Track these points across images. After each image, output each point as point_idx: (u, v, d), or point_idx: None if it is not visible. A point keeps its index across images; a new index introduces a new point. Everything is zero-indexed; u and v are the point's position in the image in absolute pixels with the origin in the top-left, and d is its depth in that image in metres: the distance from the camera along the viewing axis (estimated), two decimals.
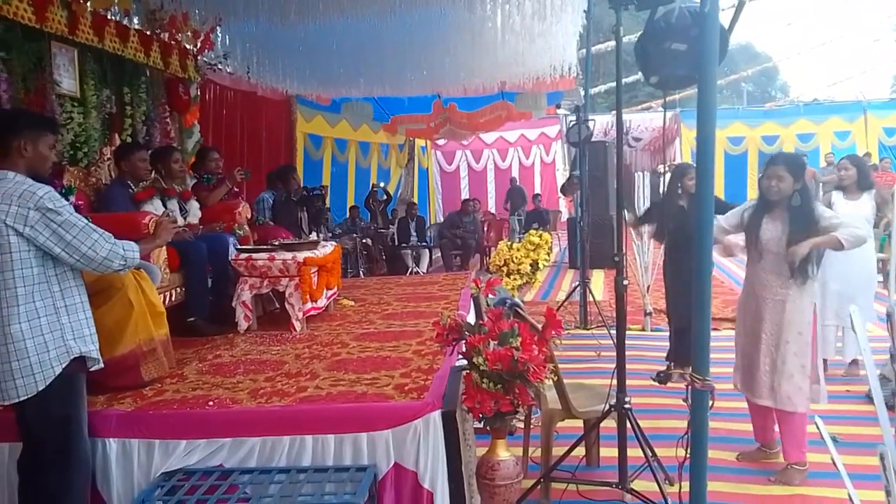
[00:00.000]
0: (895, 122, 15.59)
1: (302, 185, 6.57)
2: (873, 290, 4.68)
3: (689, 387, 2.26)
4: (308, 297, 4.19)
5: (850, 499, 1.94)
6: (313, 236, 5.17)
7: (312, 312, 4.31)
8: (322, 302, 4.46)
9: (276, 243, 4.49)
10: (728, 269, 9.13)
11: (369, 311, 4.73)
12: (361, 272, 8.97)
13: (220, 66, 6.96)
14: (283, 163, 8.23)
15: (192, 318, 4.12)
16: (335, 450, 2.59)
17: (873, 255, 4.64)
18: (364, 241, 9.68)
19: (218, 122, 7.25)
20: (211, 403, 2.79)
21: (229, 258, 4.31)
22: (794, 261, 3.18)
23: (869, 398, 4.27)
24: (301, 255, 4.20)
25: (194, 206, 4.78)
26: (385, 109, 11.10)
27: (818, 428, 2.03)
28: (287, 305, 4.19)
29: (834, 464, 2.01)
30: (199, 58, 6.10)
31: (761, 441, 3.61)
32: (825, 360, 4.77)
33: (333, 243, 5.06)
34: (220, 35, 6.20)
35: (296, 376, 3.14)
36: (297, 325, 4.14)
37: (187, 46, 5.88)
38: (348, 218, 10.14)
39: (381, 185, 11.31)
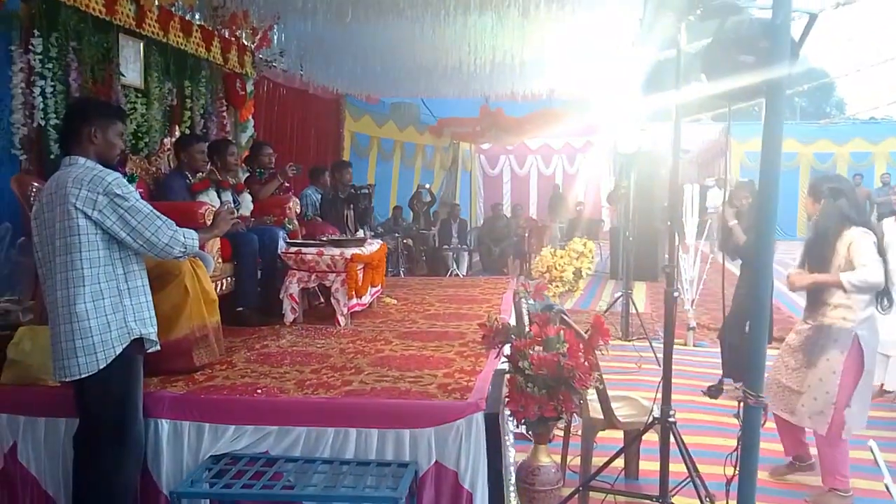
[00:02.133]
0: None
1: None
2: None
3: (742, 403, 2.23)
4: (353, 293, 4.24)
5: None
6: (360, 234, 5.23)
7: (357, 308, 4.37)
8: (366, 299, 4.51)
9: (325, 239, 4.56)
10: (781, 291, 8.89)
11: (411, 310, 4.77)
12: (402, 272, 9.03)
13: (275, 64, 7.10)
14: (331, 160, 8.36)
15: (240, 308, 4.21)
16: (378, 444, 2.62)
17: None
18: (405, 241, 9.74)
19: (270, 117, 7.40)
20: (259, 391, 2.85)
21: (279, 251, 4.40)
22: (793, 289, 3.15)
23: None
24: (348, 252, 4.26)
25: (247, 199, 4.89)
26: (432, 111, 11.18)
27: (873, 453, 1.98)
28: (333, 300, 4.26)
29: (888, 490, 1.96)
30: (256, 54, 6.24)
31: (792, 454, 3.55)
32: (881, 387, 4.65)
33: (380, 241, 5.11)
34: (276, 33, 6.34)
35: (341, 370, 3.19)
36: (342, 320, 4.19)
37: (246, 43, 6.02)
38: (391, 217, 10.23)
39: (427, 186, 11.36)
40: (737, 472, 2.26)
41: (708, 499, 2.96)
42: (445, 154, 13.44)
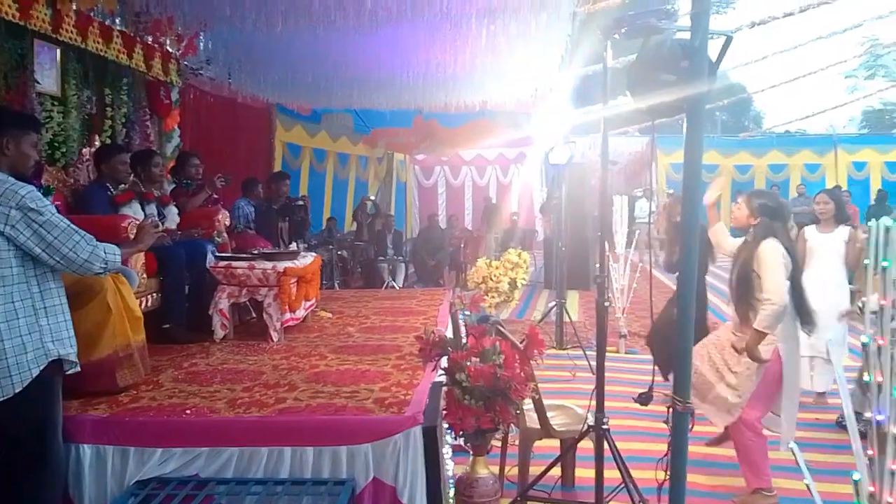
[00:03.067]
0: (864, 157, 16.05)
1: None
2: (845, 323, 4.76)
3: (671, 409, 2.29)
4: (286, 307, 4.16)
5: None
6: (293, 246, 5.14)
7: (290, 323, 4.28)
8: (300, 313, 4.43)
9: (256, 252, 4.46)
10: (712, 303, 9.21)
11: (347, 323, 4.71)
12: (337, 284, 8.92)
13: (202, 72, 6.92)
14: (262, 170, 8.19)
15: (167, 325, 4.06)
16: (314, 462, 2.57)
17: (846, 288, 4.73)
18: (340, 252, 9.63)
19: (198, 127, 7.19)
20: (188, 412, 2.75)
21: (208, 265, 4.27)
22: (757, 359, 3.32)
23: (838, 425, 4.37)
24: (281, 265, 4.18)
25: (172, 212, 4.73)
26: (365, 122, 11.11)
27: (794, 454, 2.07)
28: (265, 315, 4.15)
29: (809, 490, 2.05)
30: (181, 62, 6.07)
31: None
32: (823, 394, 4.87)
33: (313, 254, 5.03)
34: (203, 40, 6.17)
35: (274, 387, 3.11)
36: (275, 336, 4.10)
37: (170, 50, 5.85)
38: (325, 229, 10.09)
39: (372, 198, 11.31)
40: (667, 475, 2.32)
41: (641, 503, 3.04)
42: (380, 165, 13.40)
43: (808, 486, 2.05)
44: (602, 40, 3.09)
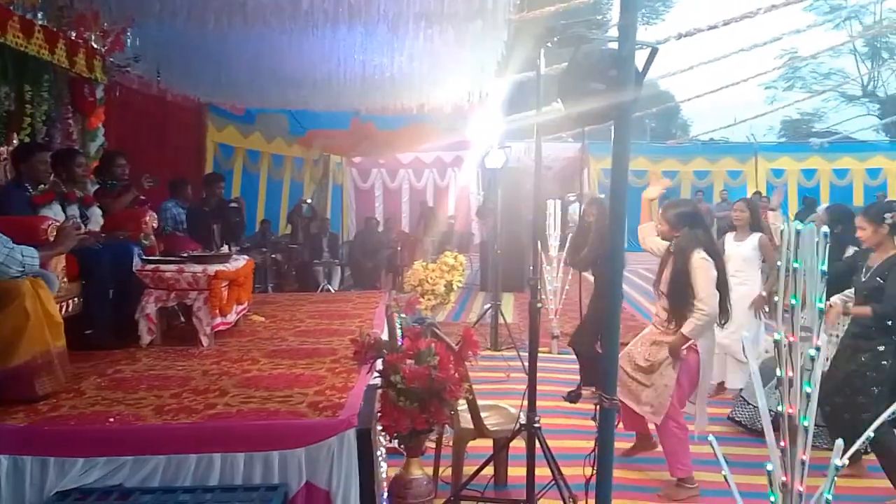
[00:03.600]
0: (783, 165, 16.90)
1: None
2: (759, 323, 5.01)
3: (598, 406, 2.37)
4: (217, 311, 4.06)
5: None
6: (224, 249, 5.02)
7: (221, 328, 4.18)
8: (232, 317, 4.34)
9: (186, 255, 4.34)
10: (635, 300, 9.55)
11: (281, 327, 4.64)
12: (270, 288, 8.76)
13: (128, 69, 6.68)
14: (192, 171, 7.98)
15: (90, 331, 3.90)
16: (245, 469, 2.52)
17: (758, 290, 4.98)
18: (274, 255, 9.47)
19: (124, 126, 6.93)
20: (111, 420, 2.66)
21: (134, 269, 4.12)
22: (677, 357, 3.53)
23: (730, 419, 4.60)
24: (212, 268, 4.08)
25: (96, 213, 4.56)
26: (301, 123, 10.95)
27: (713, 447, 2.18)
28: (195, 320, 4.05)
29: (727, 481, 2.16)
30: (107, 59, 5.85)
31: (630, 430, 3.91)
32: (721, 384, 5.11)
33: (246, 257, 4.94)
34: (130, 36, 5.97)
35: (204, 393, 3.04)
36: (205, 341, 4.00)
37: (95, 46, 5.63)
38: (258, 231, 9.90)
39: (308, 201, 11.15)
40: (595, 471, 2.40)
41: (571, 499, 3.12)
42: (315, 167, 13.23)
43: (725, 477, 2.15)
44: (535, 48, 3.17)
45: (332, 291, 9.17)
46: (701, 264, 3.49)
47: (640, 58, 2.45)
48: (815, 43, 27.45)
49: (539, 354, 3.29)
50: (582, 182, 16.87)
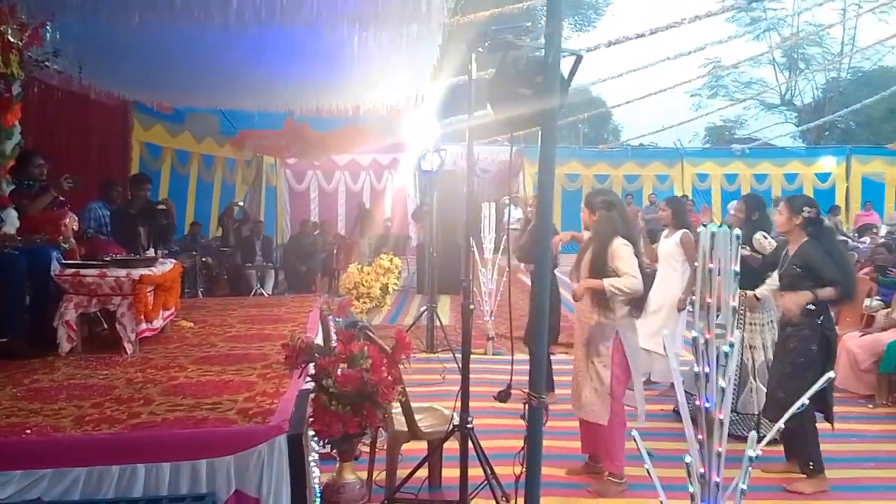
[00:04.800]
0: (707, 170, 17.60)
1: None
2: (682, 319, 5.22)
3: (527, 405, 2.42)
4: (143, 317, 3.93)
5: None
6: (151, 252, 4.87)
7: (147, 334, 4.05)
8: (158, 323, 4.21)
9: (109, 259, 4.19)
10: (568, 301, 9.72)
11: (210, 333, 4.53)
12: (200, 292, 8.53)
13: (48, 64, 6.38)
14: (117, 171, 7.69)
15: (5, 339, 3.72)
16: (171, 478, 2.46)
17: (678, 284, 5.18)
18: (205, 259, 9.22)
19: (43, 124, 6.63)
20: (28, 431, 2.54)
21: (52, 273, 3.95)
22: (577, 300, 3.68)
23: (675, 413, 4.77)
24: (137, 273, 3.95)
25: (12, 215, 4.33)
26: (233, 123, 10.70)
27: (636, 442, 2.26)
28: (118, 326, 3.91)
29: (649, 474, 2.24)
30: (24, 53, 5.56)
31: (586, 452, 3.92)
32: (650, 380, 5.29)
33: (173, 261, 4.79)
34: (50, 30, 5.70)
35: (127, 402, 2.94)
36: (129, 348, 3.87)
37: (12, 40, 5.34)
38: (188, 234, 9.62)
39: (240, 203, 10.89)
40: (524, 469, 2.44)
41: (504, 498, 3.17)
42: (248, 168, 12.95)
43: (648, 470, 2.24)
44: (468, 53, 3.21)
45: (266, 296, 9.00)
46: (622, 248, 3.62)
47: (567, 65, 2.52)
48: (736, 53, 28.74)
49: (474, 356, 3.33)
50: (517, 185, 17.17)
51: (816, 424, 3.88)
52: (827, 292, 3.72)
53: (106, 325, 4.34)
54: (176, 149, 10.14)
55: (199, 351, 3.97)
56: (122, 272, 3.92)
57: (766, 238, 4.41)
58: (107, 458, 2.44)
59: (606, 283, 3.57)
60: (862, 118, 24.91)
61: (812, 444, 3.83)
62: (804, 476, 3.83)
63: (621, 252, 3.62)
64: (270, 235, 11.53)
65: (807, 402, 2.28)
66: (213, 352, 3.94)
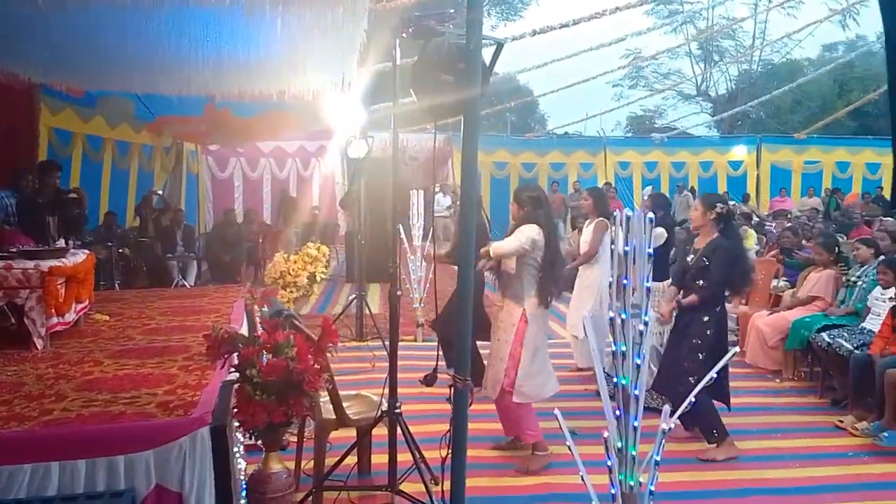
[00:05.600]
0: (628, 158, 18.15)
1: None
2: (605, 305, 5.40)
3: (452, 387, 2.45)
4: (53, 310, 3.75)
5: (584, 481, 2.26)
6: (62, 243, 4.63)
7: (59, 328, 3.86)
8: (71, 316, 4.02)
9: (14, 250, 3.96)
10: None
11: (128, 326, 4.36)
12: (118, 284, 8.18)
13: None
14: (22, 159, 7.26)
15: None
16: (87, 476, 2.37)
17: (603, 274, 5.35)
18: (121, 250, 8.84)
19: None
20: None
21: None
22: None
23: (598, 394, 4.95)
24: (46, 264, 3.76)
25: None
26: (149, 108, 10.26)
27: (559, 422, 2.33)
28: (27, 320, 3.71)
29: (571, 451, 2.32)
30: None
31: (508, 435, 4.05)
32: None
33: (85, 252, 4.58)
34: None
35: (38, 398, 2.81)
36: (40, 343, 3.68)
37: None
38: (103, 224, 9.20)
39: (160, 192, 10.45)
40: (450, 451, 2.48)
41: (433, 481, 3.21)
42: (167, 155, 12.46)
43: (569, 447, 2.31)
44: (391, 38, 3.20)
45: (188, 287, 8.72)
46: (526, 229, 3.75)
47: (490, 54, 2.55)
48: (655, 45, 29.66)
49: (404, 343, 3.35)
50: (447, 173, 17.22)
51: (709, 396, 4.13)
52: (690, 299, 4.03)
53: (14, 320, 4.11)
54: (88, 134, 9.62)
55: (115, 344, 3.82)
56: (29, 264, 3.72)
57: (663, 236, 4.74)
58: (17, 456, 2.32)
59: (491, 248, 3.78)
60: (771, 109, 26.26)
61: (710, 415, 4.07)
62: (714, 445, 4.06)
63: (524, 229, 3.76)
64: (192, 224, 11.15)
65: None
66: (131, 345, 3.80)
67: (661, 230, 4.79)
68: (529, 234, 3.73)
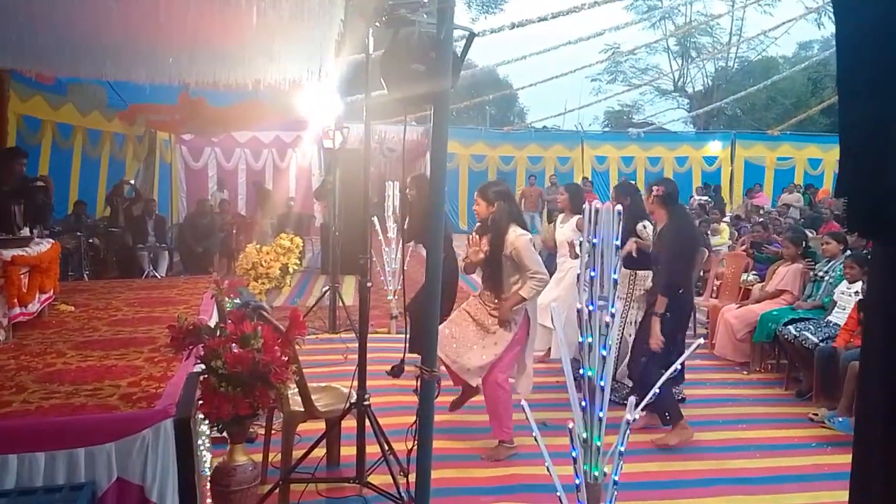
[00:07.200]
0: (605, 152, 18.26)
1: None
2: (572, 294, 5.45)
3: (419, 379, 2.45)
4: (16, 301, 3.67)
5: (549, 472, 2.26)
6: (26, 232, 4.53)
7: (21, 319, 3.78)
8: (34, 307, 3.94)
9: None
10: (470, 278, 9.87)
11: (93, 316, 4.29)
12: (86, 275, 8.04)
13: None
14: None
15: None
16: (46, 469, 2.33)
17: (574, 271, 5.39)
18: (91, 240, 8.69)
19: None
20: None
21: None
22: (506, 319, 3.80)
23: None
24: (8, 253, 3.68)
25: None
26: (122, 95, 10.08)
27: (525, 413, 2.33)
28: None
29: (537, 442, 2.32)
30: None
31: (459, 385, 4.16)
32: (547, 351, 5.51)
33: (50, 241, 4.49)
34: None
35: None
36: (1, 334, 3.60)
37: None
38: (72, 214, 9.03)
39: (132, 182, 10.27)
40: (416, 442, 2.48)
41: (401, 473, 3.20)
42: (140, 144, 12.26)
43: (535, 438, 2.32)
44: (365, 28, 3.16)
45: (160, 278, 8.60)
46: (520, 240, 3.77)
47: (461, 43, 2.53)
48: (634, 40, 29.83)
49: (377, 335, 3.33)
50: (425, 165, 17.18)
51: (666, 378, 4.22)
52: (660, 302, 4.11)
53: None
54: (57, 122, 9.43)
55: (79, 336, 3.75)
56: None
57: (645, 228, 4.74)
58: None
59: (524, 293, 3.74)
60: (746, 105, 26.55)
61: (664, 398, 4.13)
62: (668, 429, 4.13)
63: (520, 243, 3.78)
64: (164, 215, 11.00)
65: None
66: (96, 336, 3.74)
67: (646, 223, 4.80)
68: (526, 241, 3.80)
